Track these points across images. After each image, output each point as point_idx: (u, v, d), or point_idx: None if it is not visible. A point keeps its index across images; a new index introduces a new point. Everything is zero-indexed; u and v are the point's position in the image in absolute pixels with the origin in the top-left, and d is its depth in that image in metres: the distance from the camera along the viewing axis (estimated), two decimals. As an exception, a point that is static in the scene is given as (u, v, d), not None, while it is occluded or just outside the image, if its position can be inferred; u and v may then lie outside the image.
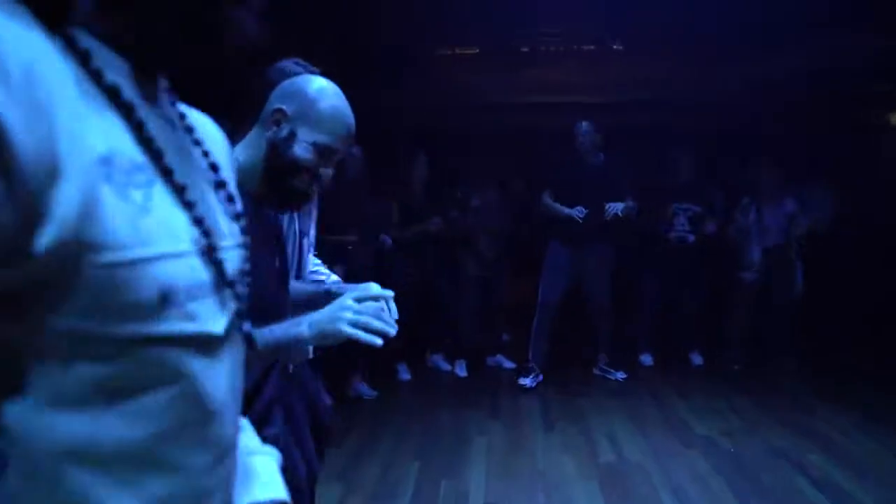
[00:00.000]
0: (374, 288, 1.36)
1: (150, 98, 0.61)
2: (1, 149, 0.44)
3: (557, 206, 4.80)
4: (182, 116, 0.68)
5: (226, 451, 0.63)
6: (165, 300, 0.53)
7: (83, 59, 0.54)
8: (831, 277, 5.40)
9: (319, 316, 1.28)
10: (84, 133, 0.50)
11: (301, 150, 1.38)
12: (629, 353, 5.39)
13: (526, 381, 4.88)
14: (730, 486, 3.16)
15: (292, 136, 1.37)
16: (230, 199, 0.68)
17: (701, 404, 4.41)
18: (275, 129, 1.38)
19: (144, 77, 0.61)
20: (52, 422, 0.49)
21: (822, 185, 5.37)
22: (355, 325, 1.24)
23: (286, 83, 1.41)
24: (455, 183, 5.31)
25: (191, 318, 0.56)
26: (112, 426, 0.52)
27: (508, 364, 5.37)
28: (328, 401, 2.09)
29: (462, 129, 6.98)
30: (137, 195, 0.53)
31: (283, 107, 1.38)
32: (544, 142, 6.66)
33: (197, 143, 0.67)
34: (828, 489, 3.12)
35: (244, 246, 0.67)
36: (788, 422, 4.03)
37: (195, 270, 0.57)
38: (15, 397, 0.48)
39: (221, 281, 0.59)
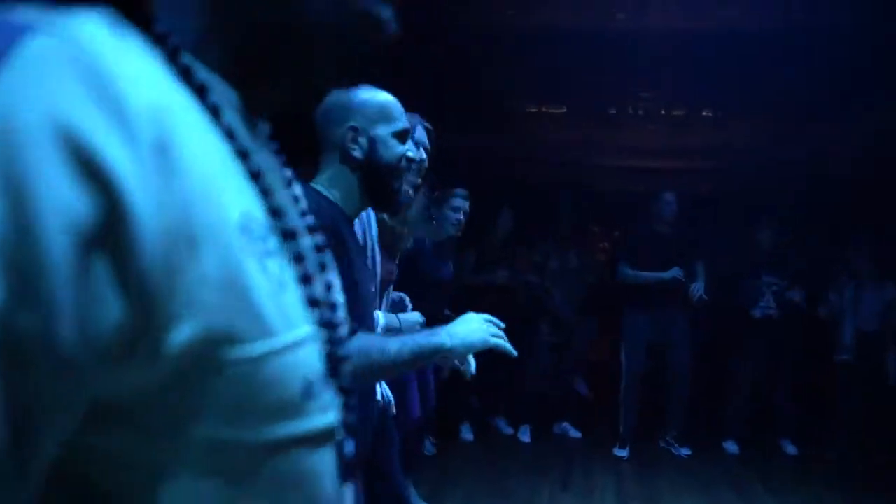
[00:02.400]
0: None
1: (256, 139, 0.49)
2: (120, 231, 0.33)
3: (645, 273, 4.64)
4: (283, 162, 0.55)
5: None
6: (307, 392, 0.43)
7: (200, 93, 0.43)
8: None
9: (457, 328, 1.38)
10: (217, 194, 0.39)
11: (386, 149, 1.40)
12: (712, 436, 5.02)
13: (623, 453, 4.74)
14: None
15: (373, 141, 1.39)
16: (322, 261, 0.54)
17: (791, 500, 4.05)
18: (356, 146, 1.39)
19: (250, 113, 0.49)
20: None
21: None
22: (496, 336, 1.41)
23: (327, 108, 1.42)
24: (533, 244, 5.18)
25: (324, 410, 0.45)
26: None
27: (574, 433, 5.12)
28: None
29: (546, 187, 6.90)
30: (274, 266, 0.42)
31: (351, 123, 1.39)
32: (628, 205, 6.51)
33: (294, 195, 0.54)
34: None
35: (339, 321, 0.53)
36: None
37: (320, 355, 0.46)
38: None
39: (335, 363, 0.48)
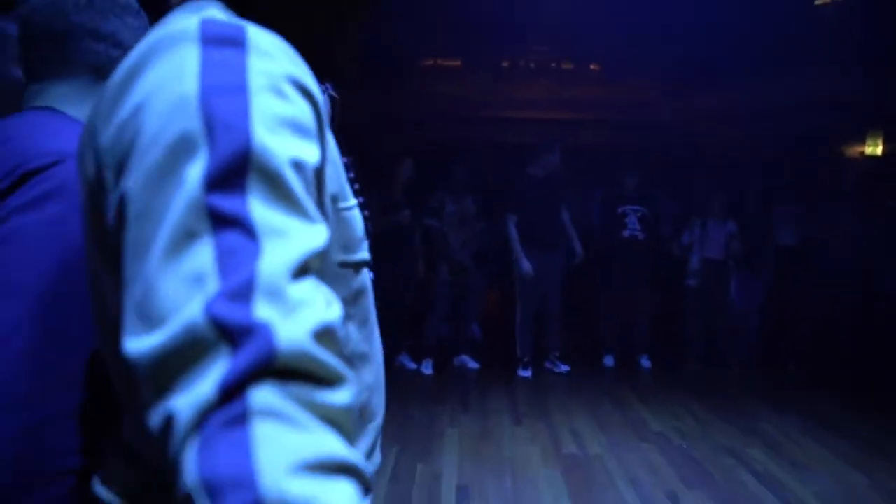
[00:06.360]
0: None
1: None
2: (321, 130, 0.56)
3: (517, 246, 5.27)
4: None
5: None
6: (363, 235, 0.73)
7: None
8: (797, 293, 5.77)
9: None
10: None
11: None
12: (594, 354, 5.77)
13: (527, 373, 5.37)
14: (680, 477, 3.44)
15: None
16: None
17: (657, 405, 4.71)
18: None
19: None
20: None
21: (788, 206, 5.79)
22: None
23: None
24: (433, 190, 5.53)
25: (367, 249, 0.74)
26: (352, 330, 0.70)
27: (473, 364, 5.62)
28: None
29: (442, 139, 7.21)
30: (340, 166, 0.71)
31: None
32: (519, 154, 6.94)
33: None
34: (768, 481, 3.42)
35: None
36: (737, 423, 4.35)
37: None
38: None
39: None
